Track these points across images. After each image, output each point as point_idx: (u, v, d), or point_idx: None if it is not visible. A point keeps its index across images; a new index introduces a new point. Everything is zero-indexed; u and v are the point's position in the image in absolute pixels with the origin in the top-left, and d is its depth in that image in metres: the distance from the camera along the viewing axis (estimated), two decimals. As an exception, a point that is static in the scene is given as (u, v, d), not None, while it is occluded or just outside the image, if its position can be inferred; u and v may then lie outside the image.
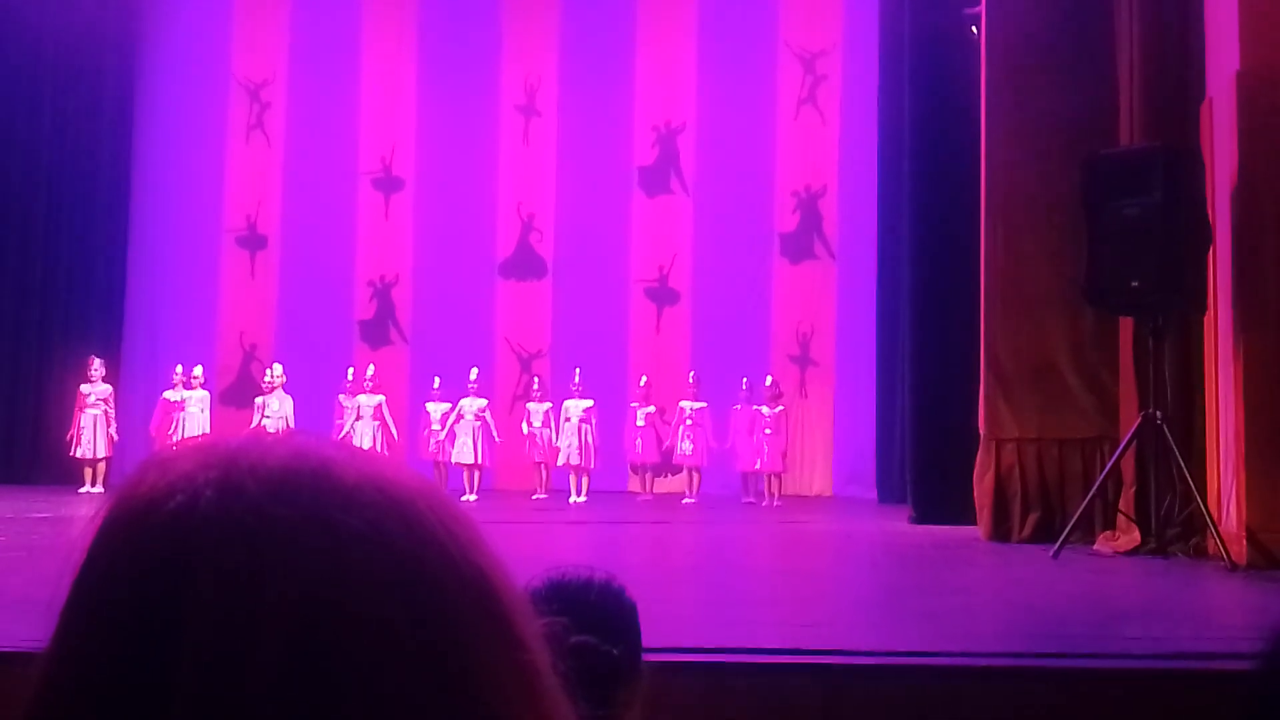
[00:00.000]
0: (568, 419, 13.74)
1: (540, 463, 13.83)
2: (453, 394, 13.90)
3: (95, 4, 15.01)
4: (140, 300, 15.80)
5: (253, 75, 16.25)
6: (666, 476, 14.31)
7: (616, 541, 9.32)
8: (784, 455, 13.44)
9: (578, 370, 13.97)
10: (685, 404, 13.91)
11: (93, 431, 13.61)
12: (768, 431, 13.24)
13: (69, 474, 13.63)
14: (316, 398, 14.16)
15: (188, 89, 15.96)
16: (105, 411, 13.77)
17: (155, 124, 15.96)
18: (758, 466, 13.32)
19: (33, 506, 10.37)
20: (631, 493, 14.20)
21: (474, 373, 13.94)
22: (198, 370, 14.09)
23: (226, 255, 16.13)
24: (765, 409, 13.36)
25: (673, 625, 3.90)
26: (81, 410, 13.69)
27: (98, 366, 13.87)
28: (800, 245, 15.37)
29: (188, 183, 15.93)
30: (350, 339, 15.90)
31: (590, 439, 13.68)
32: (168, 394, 13.92)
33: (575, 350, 14.91)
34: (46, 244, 15.14)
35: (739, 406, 13.55)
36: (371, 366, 14.21)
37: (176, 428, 13.52)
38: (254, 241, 16.16)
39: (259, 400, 13.91)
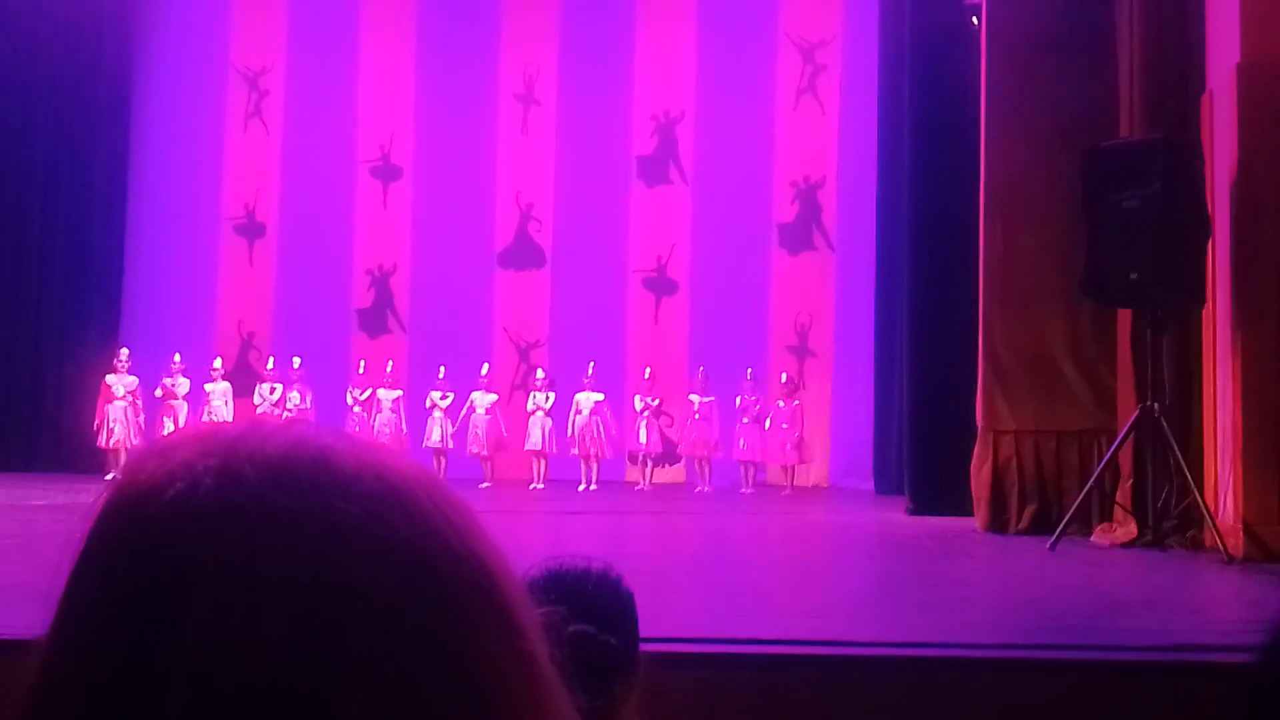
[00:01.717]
0: (579, 411, 13.81)
1: (537, 453, 13.85)
2: (456, 383, 13.96)
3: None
4: (138, 288, 15.78)
5: (251, 63, 16.22)
6: (665, 467, 14.33)
7: (614, 531, 9.32)
8: (799, 447, 13.59)
9: (591, 364, 14.05)
10: (694, 397, 13.97)
11: (125, 424, 13.68)
12: (784, 425, 13.49)
13: (66, 461, 13.65)
14: (314, 386, 14.22)
15: (186, 77, 15.93)
16: (134, 403, 13.85)
17: (153, 112, 15.92)
18: (785, 456, 13.51)
19: (31, 494, 10.36)
20: (630, 483, 14.23)
21: (485, 368, 14.04)
22: (217, 362, 14.37)
23: (224, 243, 16.12)
24: (781, 403, 13.56)
25: (670, 615, 3.90)
26: (109, 402, 13.76)
27: (124, 358, 13.99)
28: (799, 236, 15.36)
29: (186, 171, 15.90)
30: (348, 327, 15.89)
31: (602, 430, 13.79)
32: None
33: (573, 340, 14.92)
34: (43, 232, 15.12)
35: (749, 396, 13.65)
36: (390, 362, 14.31)
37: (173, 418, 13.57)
38: (252, 230, 16.15)
39: (278, 390, 14.04)
